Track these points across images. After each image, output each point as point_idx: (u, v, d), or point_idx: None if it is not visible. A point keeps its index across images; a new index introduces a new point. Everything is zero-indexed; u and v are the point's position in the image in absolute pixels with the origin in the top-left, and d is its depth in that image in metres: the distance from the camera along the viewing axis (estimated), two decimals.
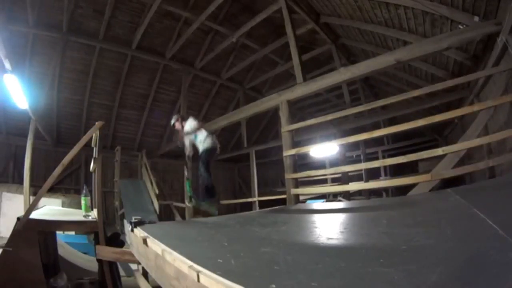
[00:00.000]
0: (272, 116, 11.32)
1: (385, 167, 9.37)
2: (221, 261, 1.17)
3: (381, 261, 1.07)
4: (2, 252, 2.73)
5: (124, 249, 3.14)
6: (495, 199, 1.95)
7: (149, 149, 9.00)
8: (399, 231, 1.65)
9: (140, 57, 8.43)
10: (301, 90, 4.92)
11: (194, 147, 3.90)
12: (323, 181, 9.46)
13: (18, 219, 2.91)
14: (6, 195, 7.20)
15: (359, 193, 8.74)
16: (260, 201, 8.49)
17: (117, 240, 3.52)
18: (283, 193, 4.80)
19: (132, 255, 2.44)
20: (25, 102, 5.20)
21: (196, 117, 3.88)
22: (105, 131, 8.20)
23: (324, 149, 7.95)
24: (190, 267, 1.08)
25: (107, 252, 3.09)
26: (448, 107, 6.61)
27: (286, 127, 4.69)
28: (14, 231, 2.84)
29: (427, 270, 0.94)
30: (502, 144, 4.17)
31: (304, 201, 6.00)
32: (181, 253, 1.28)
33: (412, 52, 3.96)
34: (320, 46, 8.27)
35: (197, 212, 8.22)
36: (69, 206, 7.39)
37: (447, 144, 6.12)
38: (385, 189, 8.86)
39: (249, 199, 9.00)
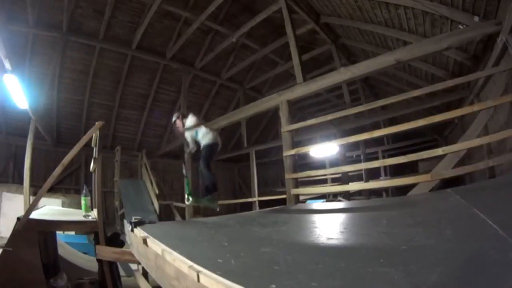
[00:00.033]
0: (272, 116, 11.32)
1: (385, 167, 9.37)
2: (221, 261, 1.17)
3: (381, 261, 1.07)
4: (2, 252, 2.73)
5: (124, 249, 3.14)
6: (495, 199, 1.95)
7: (149, 149, 9.01)
8: (399, 231, 1.65)
9: (140, 57, 8.44)
10: (301, 90, 4.92)
11: (198, 144, 3.90)
12: (323, 181, 9.46)
13: (18, 219, 2.91)
14: (6, 195, 7.20)
15: (359, 193, 8.74)
16: (260, 201, 8.49)
17: (117, 240, 3.52)
18: (283, 193, 4.80)
19: (132, 255, 2.44)
20: (25, 102, 5.20)
21: (195, 113, 3.88)
22: (105, 131, 8.20)
23: (324, 149, 7.95)
24: (190, 267, 1.08)
25: (107, 252, 3.09)
26: (448, 107, 6.61)
27: (286, 127, 4.69)
28: (14, 231, 2.84)
29: (427, 270, 0.94)
30: (502, 144, 4.18)
31: (304, 201, 6.00)
32: (181, 253, 1.28)
33: (412, 52, 3.96)
34: (320, 46, 8.27)
35: (197, 212, 8.25)
36: (69, 206, 7.39)
37: (447, 144, 6.12)
38: (385, 189, 8.86)
39: (249, 199, 8.99)
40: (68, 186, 8.46)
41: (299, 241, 1.70)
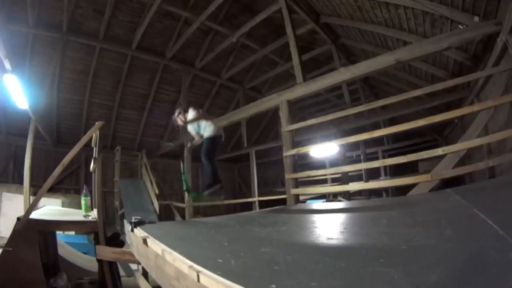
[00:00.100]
0: (272, 116, 11.33)
1: (385, 167, 9.37)
2: (221, 261, 1.17)
3: (381, 261, 1.07)
4: (2, 252, 2.73)
5: (124, 249, 3.14)
6: (495, 199, 1.95)
7: (149, 149, 9.00)
8: (399, 231, 1.65)
9: (140, 57, 8.44)
10: (301, 90, 4.92)
11: (202, 136, 3.90)
12: (323, 181, 9.46)
13: (18, 219, 2.91)
14: (6, 195, 7.20)
15: (359, 193, 8.75)
16: (260, 201, 8.49)
17: (117, 240, 3.51)
18: (283, 193, 4.80)
19: (132, 255, 2.44)
20: (25, 102, 5.20)
21: (196, 108, 3.88)
22: (105, 131, 8.21)
23: (324, 149, 7.96)
24: (190, 267, 1.08)
25: (107, 252, 3.09)
26: (448, 107, 6.62)
27: (286, 127, 4.69)
28: (14, 231, 2.84)
29: (427, 270, 0.94)
30: (502, 144, 4.18)
31: (304, 201, 6.00)
32: (181, 253, 1.28)
33: (412, 52, 3.95)
34: (320, 46, 8.28)
35: (197, 212, 8.25)
36: (69, 206, 7.39)
37: (447, 144, 6.12)
38: (385, 189, 8.86)
39: (249, 199, 8.99)
40: (68, 186, 8.46)
41: (299, 241, 1.70)
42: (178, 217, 7.95)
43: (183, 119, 3.84)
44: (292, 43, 5.30)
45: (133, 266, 3.56)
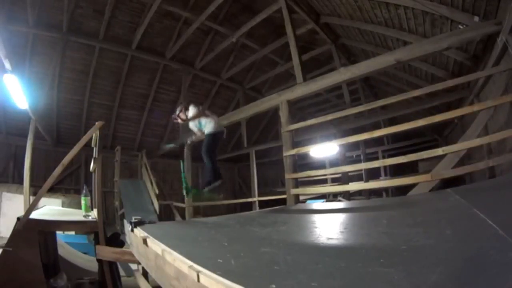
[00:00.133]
0: (272, 116, 11.32)
1: (385, 167, 9.37)
2: (221, 261, 1.17)
3: (381, 261, 1.07)
4: (2, 252, 2.73)
5: (124, 249, 3.14)
6: (495, 199, 1.95)
7: (149, 149, 9.00)
8: (399, 231, 1.65)
9: (140, 57, 8.44)
10: (301, 90, 4.92)
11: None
12: (323, 181, 9.46)
13: (18, 219, 2.91)
14: (6, 195, 7.20)
15: (359, 193, 8.75)
16: (260, 201, 8.50)
17: (117, 240, 3.51)
18: (283, 193, 4.80)
19: (132, 255, 2.44)
20: (25, 102, 5.20)
21: (196, 105, 3.88)
22: (105, 131, 8.21)
23: (324, 149, 7.96)
24: (190, 267, 1.08)
25: (107, 252, 3.09)
26: (448, 107, 6.61)
27: (286, 127, 4.69)
28: (14, 231, 2.84)
29: (427, 270, 0.94)
30: (502, 144, 4.18)
31: (304, 201, 6.00)
32: (181, 253, 1.28)
33: (412, 52, 3.96)
34: (320, 46, 8.27)
35: (197, 212, 8.24)
36: (69, 206, 7.39)
37: (447, 144, 6.11)
38: (385, 189, 8.86)
39: (249, 199, 9.00)
40: (68, 186, 8.46)
41: (299, 241, 1.70)
42: (178, 217, 7.95)
43: (184, 117, 3.84)
44: (292, 43, 5.30)
45: (133, 266, 3.56)
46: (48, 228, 3.24)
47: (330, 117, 4.51)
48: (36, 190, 3.95)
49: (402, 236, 1.50)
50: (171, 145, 4.18)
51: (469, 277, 0.88)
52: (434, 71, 6.24)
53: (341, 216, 2.68)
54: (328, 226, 2.17)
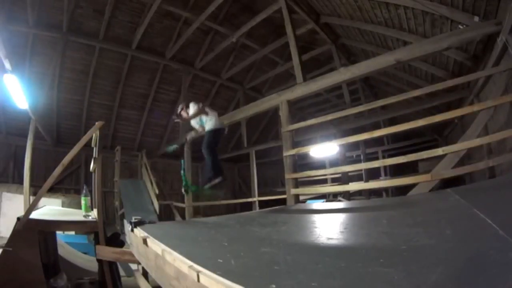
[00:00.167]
0: (272, 116, 11.32)
1: (385, 167, 9.37)
2: (221, 261, 1.17)
3: (381, 261, 1.07)
4: (2, 252, 2.73)
5: (124, 249, 3.14)
6: (495, 199, 1.95)
7: (149, 149, 9.01)
8: (399, 231, 1.65)
9: (140, 57, 8.44)
10: (301, 90, 4.92)
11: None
12: (323, 181, 9.46)
13: (18, 219, 2.91)
14: (6, 195, 7.20)
15: (359, 193, 8.75)
16: (260, 201, 8.49)
17: (117, 240, 3.51)
18: (283, 193, 4.80)
19: (132, 255, 2.44)
20: (25, 102, 5.20)
21: (196, 102, 3.88)
22: (105, 131, 8.21)
23: (324, 149, 7.96)
24: (190, 267, 1.08)
25: (107, 252, 3.09)
26: (448, 107, 6.61)
27: (286, 127, 4.69)
28: (14, 231, 2.84)
29: (427, 270, 0.94)
30: (502, 144, 4.18)
31: (304, 201, 6.00)
32: (181, 253, 1.28)
33: (412, 52, 3.96)
34: (320, 46, 8.27)
35: (197, 212, 8.23)
36: (69, 206, 7.39)
37: (447, 144, 6.11)
38: (385, 189, 8.86)
39: (249, 199, 9.00)
40: (68, 186, 8.46)
41: (299, 241, 1.70)
42: (178, 217, 7.95)
43: (185, 114, 3.85)
44: (292, 43, 5.30)
45: (133, 266, 3.55)
46: (48, 228, 3.24)
47: (330, 117, 4.51)
48: (36, 190, 3.95)
49: (402, 236, 1.50)
50: (174, 147, 4.15)
51: (469, 277, 0.88)
52: (434, 71, 6.24)
53: (341, 216, 2.68)
54: (328, 226, 2.17)
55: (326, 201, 7.24)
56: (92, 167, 3.68)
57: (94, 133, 3.56)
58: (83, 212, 3.59)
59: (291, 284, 0.89)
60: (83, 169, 8.69)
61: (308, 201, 7.23)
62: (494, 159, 3.32)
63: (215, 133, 3.67)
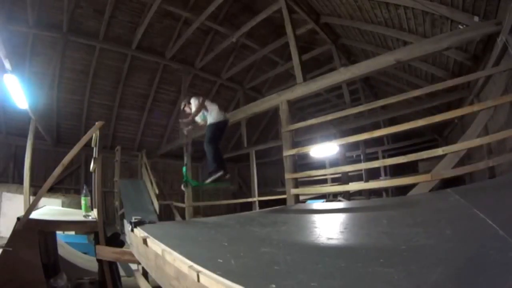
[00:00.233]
0: (272, 116, 11.32)
1: (385, 167, 9.36)
2: (221, 261, 1.17)
3: (381, 261, 1.07)
4: (2, 252, 2.73)
5: (124, 249, 3.14)
6: (495, 199, 1.95)
7: (149, 149, 9.01)
8: (399, 231, 1.65)
9: (140, 57, 8.44)
10: (301, 90, 4.92)
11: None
12: (323, 181, 9.46)
13: (18, 219, 2.91)
14: (6, 195, 7.20)
15: (359, 193, 8.74)
16: (260, 201, 8.49)
17: (117, 240, 3.51)
18: (283, 193, 4.80)
19: (132, 255, 2.44)
20: (25, 102, 5.20)
21: (197, 97, 3.86)
22: (105, 131, 8.20)
23: (324, 149, 7.96)
24: (190, 267, 1.08)
25: (107, 252, 3.09)
26: (448, 107, 6.61)
27: (286, 127, 4.69)
28: (14, 231, 2.84)
29: (427, 270, 0.94)
30: (502, 144, 4.18)
31: (304, 201, 6.00)
32: (181, 253, 1.28)
33: (412, 52, 3.95)
34: (320, 46, 8.27)
35: (197, 212, 8.22)
36: (69, 206, 7.39)
37: (447, 144, 6.11)
38: (385, 189, 8.86)
39: (249, 199, 8.99)
40: (68, 186, 8.46)
41: (299, 241, 1.70)
42: (178, 217, 7.95)
43: (188, 110, 3.84)
44: (292, 43, 5.30)
45: (133, 266, 3.56)
46: (48, 228, 3.25)
47: (330, 117, 4.51)
48: (36, 190, 3.95)
49: (402, 236, 1.50)
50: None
51: (469, 277, 0.88)
52: (434, 71, 6.24)
53: (341, 216, 2.68)
54: (328, 226, 2.17)
55: (326, 201, 7.24)
56: (92, 167, 3.68)
57: (94, 133, 3.56)
58: (83, 212, 3.59)
59: (291, 284, 0.89)
60: (83, 169, 8.69)
61: (308, 201, 7.23)
62: (494, 159, 3.32)
63: (217, 126, 3.62)
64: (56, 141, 8.46)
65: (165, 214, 8.05)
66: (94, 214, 3.48)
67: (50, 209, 4.43)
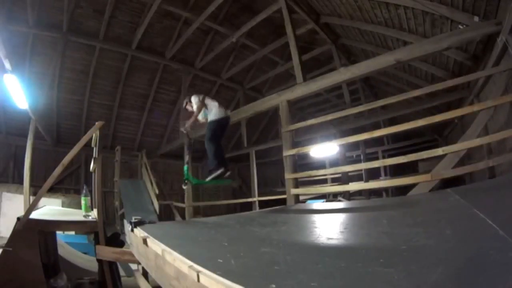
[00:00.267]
0: (272, 116, 11.32)
1: (385, 167, 9.36)
2: (221, 261, 1.17)
3: (381, 261, 1.07)
4: (2, 252, 2.73)
5: (124, 249, 3.14)
6: (495, 199, 1.95)
7: (149, 149, 9.01)
8: (399, 231, 1.65)
9: (140, 57, 8.44)
10: (301, 90, 4.92)
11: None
12: (323, 181, 9.45)
13: (18, 219, 2.91)
14: (6, 195, 7.20)
15: (359, 193, 8.74)
16: (260, 201, 8.49)
17: (117, 240, 3.51)
18: (283, 193, 4.80)
19: (132, 255, 2.44)
20: (25, 102, 5.20)
21: (197, 94, 3.85)
22: (105, 131, 8.20)
23: (324, 149, 7.96)
24: (190, 267, 1.08)
25: (107, 252, 3.09)
26: (448, 107, 6.61)
27: (286, 127, 4.69)
28: (14, 231, 2.84)
29: (427, 270, 0.94)
30: (502, 144, 4.17)
31: (304, 201, 5.99)
32: (181, 253, 1.28)
33: (412, 52, 3.95)
34: (320, 46, 8.27)
35: (197, 212, 8.22)
36: (69, 206, 7.39)
37: (447, 144, 6.11)
38: (385, 189, 8.85)
39: (249, 199, 8.99)
40: (68, 186, 8.46)
41: (299, 241, 1.70)
42: (178, 217, 7.95)
43: (190, 108, 3.84)
44: (292, 43, 5.30)
45: (133, 266, 3.55)
46: (48, 228, 3.25)
47: (330, 117, 4.50)
48: (36, 190, 3.95)
49: (402, 236, 1.50)
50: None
51: (469, 277, 0.88)
52: (434, 71, 6.24)
53: (341, 216, 2.68)
54: (328, 226, 2.17)
55: (326, 201, 7.23)
56: (92, 167, 3.68)
57: (94, 133, 3.56)
58: (83, 212, 3.59)
59: (291, 284, 0.89)
60: (83, 169, 8.69)
61: (308, 201, 7.23)
62: (494, 159, 3.31)
63: (218, 123, 3.60)
64: (56, 141, 8.46)
65: (165, 214, 8.05)
66: (94, 214, 3.48)
67: (50, 209, 4.43)
